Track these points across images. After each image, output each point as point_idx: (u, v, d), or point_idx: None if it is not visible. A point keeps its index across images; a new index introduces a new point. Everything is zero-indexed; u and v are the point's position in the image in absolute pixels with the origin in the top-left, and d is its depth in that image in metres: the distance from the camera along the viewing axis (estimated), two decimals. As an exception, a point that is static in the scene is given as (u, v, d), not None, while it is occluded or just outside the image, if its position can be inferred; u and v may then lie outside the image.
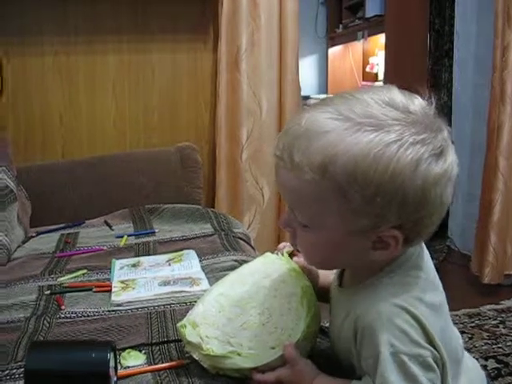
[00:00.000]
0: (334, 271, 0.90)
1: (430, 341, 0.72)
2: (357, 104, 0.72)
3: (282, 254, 0.96)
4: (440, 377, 0.72)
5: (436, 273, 0.82)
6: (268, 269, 0.91)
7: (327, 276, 0.93)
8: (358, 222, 0.72)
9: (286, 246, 0.97)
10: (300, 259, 0.93)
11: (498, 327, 2.15)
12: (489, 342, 2.03)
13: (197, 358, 0.85)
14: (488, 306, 2.33)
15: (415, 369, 0.70)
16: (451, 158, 0.72)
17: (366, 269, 0.79)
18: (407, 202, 0.70)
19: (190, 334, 0.85)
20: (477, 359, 0.92)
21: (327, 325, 0.90)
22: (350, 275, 0.85)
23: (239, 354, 0.82)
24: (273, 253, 0.98)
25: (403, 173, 0.68)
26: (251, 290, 0.90)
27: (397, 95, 0.73)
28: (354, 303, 0.78)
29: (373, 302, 0.74)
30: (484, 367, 0.85)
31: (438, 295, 0.79)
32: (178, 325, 0.88)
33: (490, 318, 2.22)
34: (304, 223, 0.76)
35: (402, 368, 0.70)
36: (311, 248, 0.79)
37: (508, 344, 2.01)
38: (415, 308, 0.73)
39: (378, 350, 0.71)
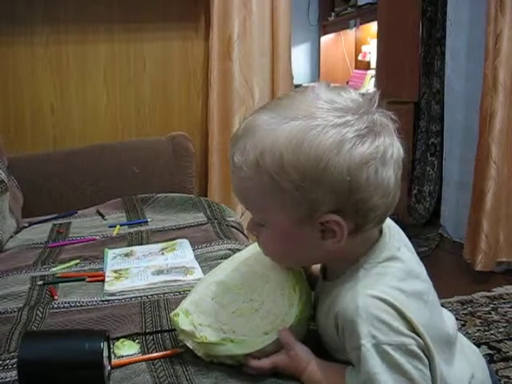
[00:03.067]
0: None
1: (413, 329, 0.72)
2: (286, 101, 0.77)
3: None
4: (428, 364, 0.72)
5: (419, 262, 0.83)
6: (260, 256, 0.90)
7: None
8: (295, 210, 0.74)
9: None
10: None
11: (490, 314, 2.16)
12: (481, 328, 2.05)
13: (190, 347, 0.85)
14: (480, 293, 2.34)
15: (400, 358, 0.70)
16: (383, 139, 0.73)
17: (339, 261, 0.80)
18: (336, 185, 0.71)
19: (183, 323, 0.86)
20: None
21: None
22: (329, 268, 0.86)
23: (232, 341, 0.82)
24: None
25: (326, 155, 0.70)
26: (243, 277, 0.90)
27: (323, 90, 0.76)
28: (333, 299, 0.79)
29: (350, 296, 0.74)
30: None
31: (420, 284, 0.79)
32: (171, 314, 0.88)
33: (482, 305, 2.24)
34: (258, 222, 0.80)
35: (385, 359, 0.70)
36: (269, 246, 0.82)
37: (500, 330, 2.03)
38: (393, 297, 0.73)
39: (359, 343, 0.71)
